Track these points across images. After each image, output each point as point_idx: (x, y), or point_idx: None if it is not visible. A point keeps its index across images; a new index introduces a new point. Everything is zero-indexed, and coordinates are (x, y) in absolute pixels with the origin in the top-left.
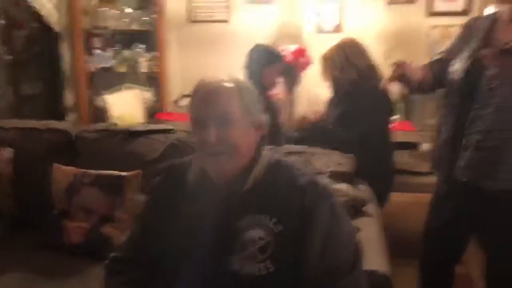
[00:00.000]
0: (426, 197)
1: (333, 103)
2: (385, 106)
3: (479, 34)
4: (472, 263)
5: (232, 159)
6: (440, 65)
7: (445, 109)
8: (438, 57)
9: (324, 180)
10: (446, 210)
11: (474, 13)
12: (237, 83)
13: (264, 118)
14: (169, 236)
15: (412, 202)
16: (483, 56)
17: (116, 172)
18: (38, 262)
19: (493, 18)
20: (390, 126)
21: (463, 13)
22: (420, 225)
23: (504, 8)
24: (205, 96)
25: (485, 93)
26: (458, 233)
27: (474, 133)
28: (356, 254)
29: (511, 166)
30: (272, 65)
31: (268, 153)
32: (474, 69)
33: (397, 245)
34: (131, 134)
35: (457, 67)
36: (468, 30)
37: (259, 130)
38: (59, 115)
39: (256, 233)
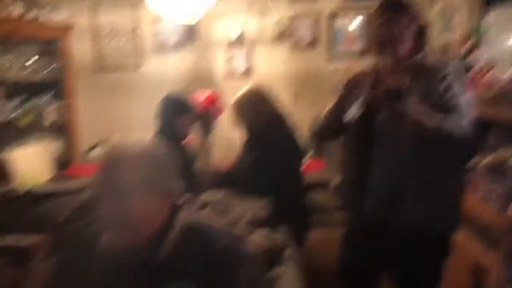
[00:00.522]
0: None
1: (247, 148)
2: (296, 151)
3: (368, 85)
4: None
5: (129, 230)
6: (329, 121)
7: (346, 154)
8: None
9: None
10: (356, 247)
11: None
12: (144, 150)
13: (175, 185)
14: None
15: (331, 237)
16: (372, 96)
17: (20, 241)
18: None
19: (375, 71)
20: (302, 169)
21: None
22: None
23: (384, 58)
24: (104, 167)
25: (380, 136)
26: (369, 269)
27: (377, 175)
28: None
29: (413, 204)
30: (184, 115)
31: (182, 218)
32: (367, 115)
33: (318, 282)
34: (34, 198)
35: (352, 115)
36: (353, 85)
37: (168, 197)
38: None
39: None
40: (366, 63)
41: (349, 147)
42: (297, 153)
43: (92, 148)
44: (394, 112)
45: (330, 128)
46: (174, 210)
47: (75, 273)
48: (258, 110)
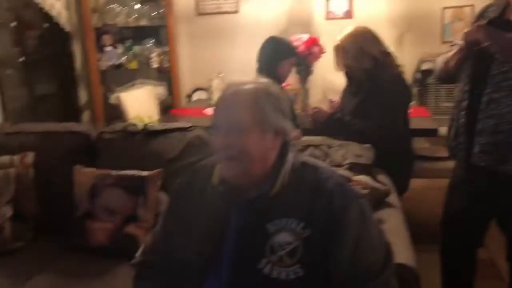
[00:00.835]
0: (444, 182)
1: (349, 93)
2: (403, 94)
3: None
4: (494, 247)
5: (242, 165)
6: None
7: (459, 95)
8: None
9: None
10: (464, 194)
11: None
12: (258, 89)
13: (286, 124)
14: (194, 240)
15: (431, 187)
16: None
17: (137, 172)
18: (65, 264)
19: (505, 3)
20: (409, 113)
21: None
22: (439, 210)
23: None
24: (220, 104)
25: (498, 76)
26: (477, 217)
27: (488, 117)
28: (387, 256)
29: None
30: (287, 59)
31: (292, 155)
32: (485, 54)
33: (416, 231)
34: (149, 134)
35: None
36: (479, 20)
37: (279, 136)
38: (74, 115)
39: (284, 238)
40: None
41: (462, 88)
42: (402, 99)
43: (194, 91)
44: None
45: (449, 74)
46: (285, 148)
47: (189, 209)
48: (362, 51)
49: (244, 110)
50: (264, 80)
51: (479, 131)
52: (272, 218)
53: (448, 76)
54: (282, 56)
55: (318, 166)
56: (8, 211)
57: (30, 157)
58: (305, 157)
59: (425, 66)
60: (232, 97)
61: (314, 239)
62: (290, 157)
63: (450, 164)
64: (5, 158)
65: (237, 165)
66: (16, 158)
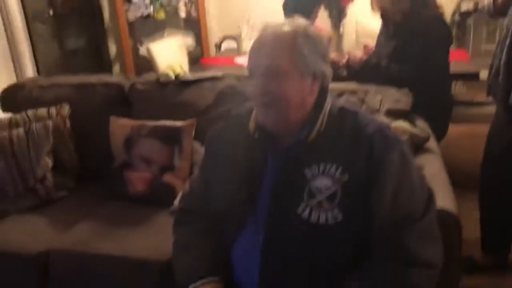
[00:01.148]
0: (483, 128)
1: (385, 36)
2: (443, 35)
3: None
4: None
5: (280, 111)
6: None
7: (503, 32)
8: None
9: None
10: (504, 137)
11: None
12: (297, 31)
13: (326, 68)
14: (231, 187)
15: (469, 133)
16: None
17: (172, 122)
18: (105, 212)
19: None
20: (449, 56)
21: None
22: (477, 156)
23: None
24: (258, 46)
25: None
26: None
27: None
28: (428, 200)
29: None
30: (317, 6)
31: (331, 101)
32: None
33: (454, 178)
34: (181, 84)
35: None
36: None
37: (317, 80)
38: (104, 68)
39: (323, 182)
40: None
41: (505, 25)
42: (443, 41)
43: (223, 40)
44: None
45: (498, 11)
46: (323, 93)
47: (226, 155)
48: None
49: (282, 53)
50: (302, 21)
51: None
52: (310, 163)
53: (497, 13)
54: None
55: (357, 111)
56: (49, 162)
57: (66, 109)
58: (344, 102)
59: (464, 7)
60: (269, 39)
61: (353, 184)
62: (328, 102)
63: (490, 109)
64: (42, 111)
65: (274, 112)
66: (52, 110)
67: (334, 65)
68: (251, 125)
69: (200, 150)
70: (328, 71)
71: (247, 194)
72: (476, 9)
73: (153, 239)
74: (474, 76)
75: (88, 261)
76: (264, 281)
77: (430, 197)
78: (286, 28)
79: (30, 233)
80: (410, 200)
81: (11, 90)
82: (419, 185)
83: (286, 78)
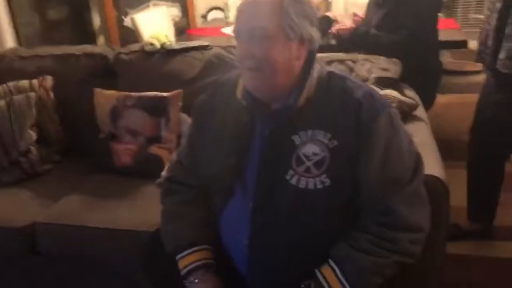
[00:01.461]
0: (472, 97)
1: (374, 5)
2: (433, 2)
3: None
4: None
5: (266, 75)
6: None
7: (489, 6)
8: None
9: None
10: (493, 104)
11: None
12: None
13: (313, 32)
14: (220, 153)
15: (457, 102)
16: None
17: (158, 93)
18: (92, 185)
19: None
20: (437, 24)
21: None
22: (465, 125)
23: None
24: (243, 8)
25: None
26: (506, 127)
27: None
28: (416, 164)
29: None
30: None
31: (319, 66)
32: None
33: (442, 146)
34: (167, 53)
35: None
36: None
37: (304, 44)
38: (88, 40)
39: (310, 149)
40: None
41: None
42: (431, 9)
43: (209, 11)
44: None
45: None
46: (311, 58)
47: (213, 124)
48: None
49: (268, 15)
50: None
51: (507, 36)
52: (299, 129)
53: None
54: None
55: (346, 76)
56: (32, 135)
57: (49, 80)
58: (332, 67)
59: None
60: (255, 1)
61: (341, 149)
62: (316, 67)
63: (479, 78)
64: (24, 83)
65: (260, 76)
66: (35, 82)
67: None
68: (239, 91)
69: (187, 120)
70: (316, 35)
71: (235, 161)
72: None
73: (140, 210)
74: (463, 45)
75: (74, 233)
76: (253, 248)
77: (418, 161)
78: None
79: (16, 207)
80: (398, 164)
81: None
82: (407, 149)
83: (271, 41)
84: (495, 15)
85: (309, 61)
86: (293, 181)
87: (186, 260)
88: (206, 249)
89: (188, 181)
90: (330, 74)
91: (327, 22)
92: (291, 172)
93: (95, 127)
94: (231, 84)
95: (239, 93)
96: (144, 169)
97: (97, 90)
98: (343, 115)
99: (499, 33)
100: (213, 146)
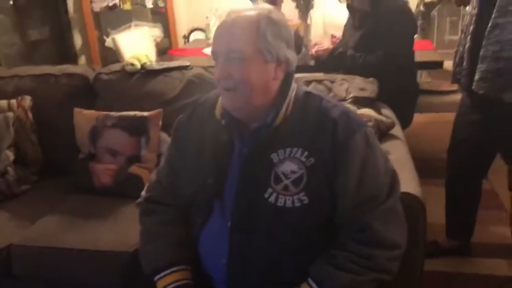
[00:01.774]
0: (448, 116)
1: (351, 27)
2: (409, 24)
3: None
4: (497, 178)
5: (243, 95)
6: None
7: (467, 19)
8: None
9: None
10: (470, 124)
11: None
12: (260, 15)
13: (290, 54)
14: (199, 173)
15: (434, 121)
16: None
17: (138, 113)
18: (71, 204)
19: None
20: (413, 45)
21: None
22: (443, 144)
23: None
24: (220, 30)
25: (504, 0)
26: (482, 147)
27: (491, 44)
28: (392, 181)
29: None
30: None
31: (295, 86)
32: None
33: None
34: (148, 73)
35: None
36: None
37: (281, 66)
38: (70, 59)
39: (288, 167)
40: None
41: (470, 12)
42: (410, 28)
43: (191, 32)
44: None
45: None
46: (288, 79)
47: (192, 143)
48: None
49: (245, 37)
50: (266, 5)
51: (482, 58)
52: (276, 148)
53: (461, 1)
54: None
55: (322, 96)
56: (10, 155)
57: (27, 100)
58: (309, 88)
59: None
60: (232, 23)
61: (318, 167)
62: (294, 87)
63: (455, 97)
64: (3, 102)
65: (237, 96)
66: (13, 102)
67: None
68: (218, 110)
69: (167, 140)
70: (292, 56)
71: (214, 180)
72: (440, 0)
73: (119, 231)
74: (439, 66)
75: (51, 255)
76: (232, 266)
77: (394, 179)
78: (250, 12)
79: None
80: (374, 182)
81: None
82: (383, 167)
83: (248, 63)
84: (468, 38)
85: (286, 81)
86: (272, 199)
87: (165, 281)
88: (185, 269)
89: (167, 200)
90: (307, 94)
91: (298, 37)
92: (269, 190)
93: (74, 147)
94: (210, 104)
95: (218, 113)
96: (124, 189)
97: (77, 110)
98: (320, 134)
99: (474, 55)
100: (192, 166)
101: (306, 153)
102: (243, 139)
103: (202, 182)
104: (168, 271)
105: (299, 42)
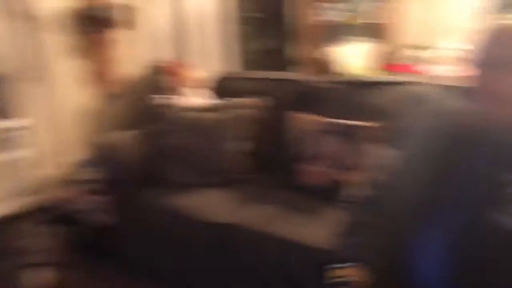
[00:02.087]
0: None
1: None
2: None
3: None
4: None
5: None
6: None
7: None
8: None
9: None
10: None
11: None
12: None
13: None
14: (423, 181)
15: None
16: None
17: (352, 122)
18: (281, 199)
19: None
20: None
21: None
22: None
23: None
24: (498, 38)
25: None
26: None
27: None
28: None
29: None
30: None
31: None
32: None
33: None
34: (365, 85)
35: None
36: None
37: None
38: (288, 68)
39: None
40: None
41: None
42: None
43: (416, 49)
44: None
45: None
46: None
47: (422, 148)
48: None
49: None
50: None
51: None
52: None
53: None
54: None
55: None
56: (243, 146)
57: (265, 100)
58: None
59: None
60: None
61: None
62: None
63: None
64: (243, 100)
65: (501, 104)
66: (252, 100)
67: None
68: (446, 122)
69: (378, 152)
70: None
71: (438, 189)
72: None
73: (321, 228)
74: None
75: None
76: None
77: None
78: None
79: (215, 205)
80: None
81: (221, 80)
82: None
83: None
84: None
85: None
86: (501, 221)
87: None
88: None
89: (378, 223)
90: None
91: None
92: (500, 211)
93: (289, 147)
94: (472, 117)
95: (475, 130)
96: (328, 192)
97: (296, 114)
98: None
99: None
100: (417, 173)
101: None
102: (479, 151)
103: (425, 192)
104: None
105: None
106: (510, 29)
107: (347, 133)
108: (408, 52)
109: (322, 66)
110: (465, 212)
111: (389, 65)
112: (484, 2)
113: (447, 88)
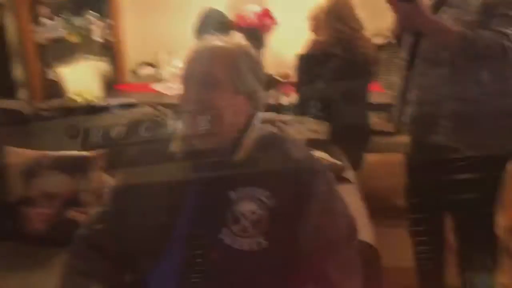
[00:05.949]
0: (396, 157)
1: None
2: (365, 68)
3: None
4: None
5: (210, 123)
6: None
7: (402, 64)
8: None
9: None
10: (415, 169)
11: None
12: (240, 47)
13: (260, 91)
14: (150, 213)
15: (382, 162)
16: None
17: (78, 152)
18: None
19: None
20: (367, 89)
21: None
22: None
23: None
24: (197, 54)
25: (426, 48)
26: (432, 194)
27: (416, 88)
28: (351, 228)
29: (449, 121)
30: (222, 31)
31: (261, 125)
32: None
33: (372, 205)
34: (91, 110)
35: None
36: None
37: (250, 100)
38: (9, 92)
39: (248, 206)
40: None
41: (403, 57)
42: (365, 70)
43: (141, 65)
44: (405, 13)
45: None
46: (254, 116)
47: (140, 179)
48: (342, 20)
49: (221, 65)
50: (244, 40)
51: (409, 102)
52: (236, 185)
53: (398, 43)
54: (217, 28)
55: (286, 137)
56: None
57: None
58: (274, 128)
59: (377, 41)
60: (209, 50)
61: (279, 210)
62: (258, 125)
63: (398, 139)
64: None
65: (203, 122)
66: None
67: None
68: (176, 144)
69: (110, 181)
70: (262, 95)
71: (166, 218)
72: (389, 43)
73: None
74: (388, 107)
75: None
76: None
77: (352, 226)
78: (228, 42)
79: None
80: (334, 227)
81: None
82: (344, 215)
83: (220, 89)
84: (401, 83)
85: (252, 118)
86: (227, 240)
87: None
88: None
89: (107, 245)
90: (272, 134)
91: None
92: (225, 230)
93: (6, 189)
94: (162, 142)
95: (176, 146)
96: (59, 237)
97: (10, 149)
98: (283, 176)
99: (403, 98)
100: (142, 206)
101: (267, 193)
102: (200, 173)
103: (151, 224)
104: None
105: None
106: (203, 47)
107: (77, 165)
108: (143, 71)
109: (52, 89)
110: (191, 236)
111: (124, 85)
112: (198, 21)
113: (169, 107)
